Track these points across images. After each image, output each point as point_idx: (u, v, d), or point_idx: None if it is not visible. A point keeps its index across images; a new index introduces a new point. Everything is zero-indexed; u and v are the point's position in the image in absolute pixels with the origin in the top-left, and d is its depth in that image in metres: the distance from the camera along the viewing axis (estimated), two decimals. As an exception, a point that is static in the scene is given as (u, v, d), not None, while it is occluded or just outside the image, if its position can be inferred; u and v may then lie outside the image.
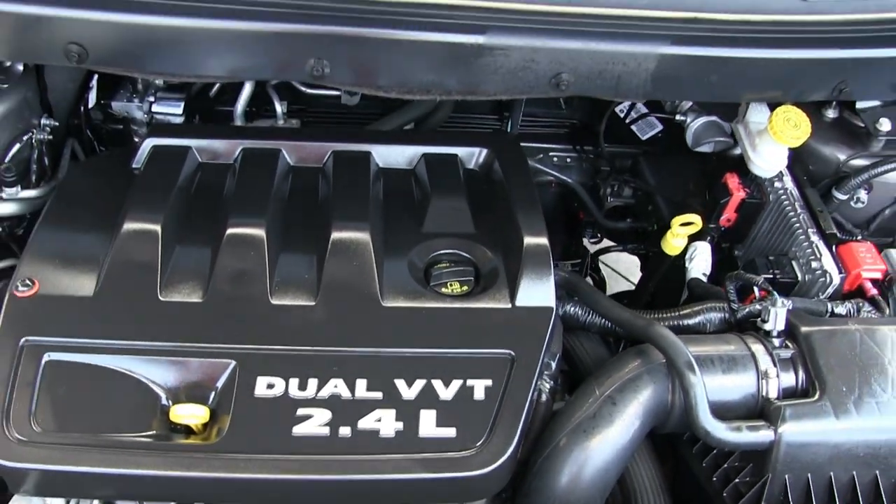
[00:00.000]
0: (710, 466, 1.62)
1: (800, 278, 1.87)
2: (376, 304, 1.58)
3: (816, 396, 1.52)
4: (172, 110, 2.14)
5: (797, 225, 1.92)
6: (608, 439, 1.52)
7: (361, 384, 1.46)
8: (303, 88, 2.17)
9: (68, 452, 1.37)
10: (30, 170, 1.93)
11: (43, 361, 1.45)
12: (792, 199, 1.96)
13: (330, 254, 1.62)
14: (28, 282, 1.55)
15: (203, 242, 1.65)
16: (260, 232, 1.63)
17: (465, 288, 1.65)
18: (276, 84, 2.18)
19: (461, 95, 1.84)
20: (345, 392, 1.45)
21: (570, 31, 1.68)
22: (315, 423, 1.42)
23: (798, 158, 2.02)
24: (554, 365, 1.61)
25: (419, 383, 1.47)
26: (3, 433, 1.37)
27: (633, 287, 2.58)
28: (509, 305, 1.60)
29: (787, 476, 1.50)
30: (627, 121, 2.39)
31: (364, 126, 2.28)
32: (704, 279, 1.97)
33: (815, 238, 1.89)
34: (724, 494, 1.57)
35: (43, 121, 1.95)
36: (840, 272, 1.83)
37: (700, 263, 1.99)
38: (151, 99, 2.13)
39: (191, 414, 1.41)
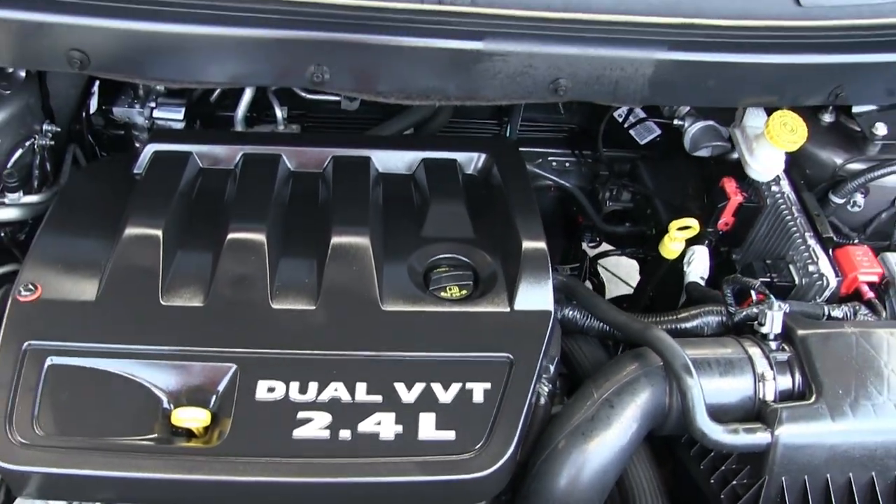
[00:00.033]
0: (708, 469, 1.62)
1: (797, 282, 1.88)
2: (376, 308, 1.59)
3: (813, 399, 1.52)
4: (173, 116, 2.15)
5: (794, 229, 1.93)
6: (606, 442, 1.52)
7: (361, 387, 1.47)
8: (303, 94, 2.18)
9: (70, 456, 1.38)
10: (32, 175, 1.94)
11: (45, 365, 1.46)
12: (789, 203, 1.97)
13: (330, 258, 1.63)
14: (30, 286, 1.56)
15: (204, 247, 1.66)
16: (260, 237, 1.64)
17: (464, 292, 1.65)
18: (276, 89, 2.19)
19: (460, 101, 1.84)
20: (345, 395, 1.46)
21: (568, 36, 1.69)
22: (315, 426, 1.42)
23: (795, 162, 2.03)
24: (552, 368, 1.62)
25: (419, 387, 1.48)
26: (6, 436, 1.38)
27: (632, 291, 2.58)
28: (508, 309, 1.61)
29: (783, 478, 1.51)
30: (626, 125, 2.39)
31: (364, 131, 2.28)
32: (702, 283, 1.97)
33: (811, 242, 1.90)
34: (722, 496, 1.57)
35: (45, 126, 1.96)
36: (837, 276, 1.84)
37: (698, 267, 2.00)
38: (153, 104, 2.15)
39: (192, 417, 1.42)
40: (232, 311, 1.57)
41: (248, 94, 2.15)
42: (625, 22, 1.72)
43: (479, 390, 1.48)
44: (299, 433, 1.42)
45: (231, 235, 1.64)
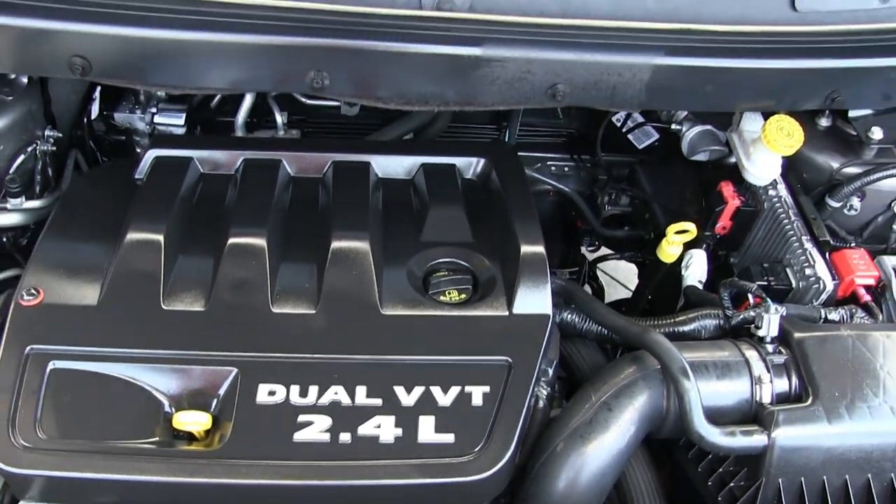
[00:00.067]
0: (706, 471, 1.63)
1: (794, 285, 1.89)
2: (376, 312, 1.60)
3: (809, 401, 1.53)
4: (174, 121, 2.15)
5: (791, 232, 1.94)
6: (604, 444, 1.53)
7: (361, 391, 1.48)
8: (303, 99, 2.18)
9: (73, 459, 1.39)
10: (34, 181, 1.95)
11: (48, 369, 1.47)
12: (786, 207, 1.99)
13: (330, 263, 1.64)
14: (33, 291, 1.57)
15: (205, 252, 1.67)
16: (261, 241, 1.65)
17: (463, 296, 1.66)
18: (276, 95, 2.19)
19: (459, 106, 1.85)
20: (345, 399, 1.47)
21: (566, 42, 1.71)
22: (316, 429, 1.43)
23: (792, 166, 2.04)
24: (551, 371, 1.63)
25: (418, 390, 1.49)
26: (8, 440, 1.39)
27: (631, 294, 2.59)
28: (506, 313, 1.62)
29: (780, 480, 1.51)
30: (624, 130, 2.40)
31: (364, 136, 2.29)
32: (700, 286, 1.98)
33: (808, 245, 1.91)
34: (720, 498, 1.58)
35: (47, 132, 1.97)
36: (833, 279, 1.85)
37: (696, 271, 2.00)
38: (153, 110, 2.15)
39: (193, 421, 1.43)
40: (233, 315, 1.57)
41: (248, 100, 2.15)
42: (622, 28, 1.73)
43: (478, 393, 1.49)
44: (300, 436, 1.42)
45: (232, 240, 1.65)
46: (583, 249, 2.66)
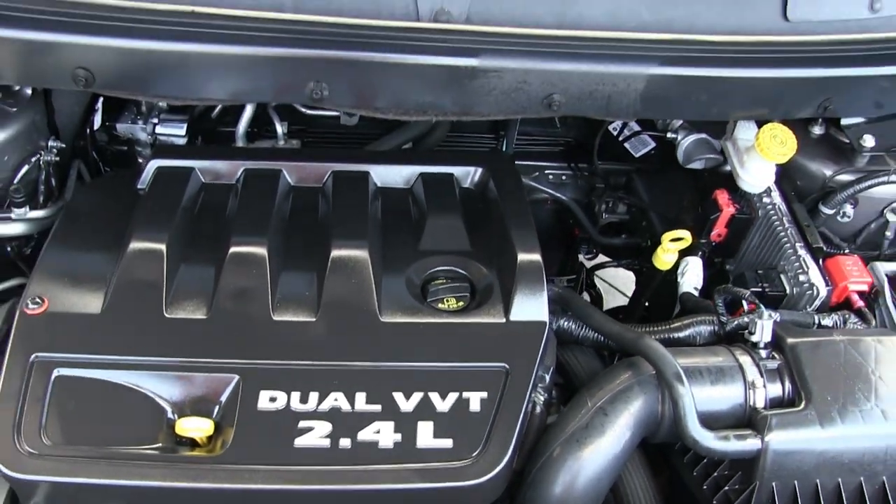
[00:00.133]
0: (701, 475, 1.64)
1: (788, 291, 1.91)
2: (375, 319, 1.61)
3: (802, 406, 1.55)
4: (176, 132, 2.16)
5: (785, 239, 1.96)
6: (600, 449, 1.55)
7: (361, 397, 1.49)
8: (303, 110, 2.20)
9: (77, 465, 1.40)
10: (38, 191, 1.96)
11: (53, 377, 1.48)
12: (780, 214, 2.00)
13: (330, 271, 1.65)
14: (38, 300, 1.58)
15: (207, 261, 1.68)
16: (262, 250, 1.66)
17: (460, 303, 1.68)
18: (276, 105, 2.21)
19: (456, 116, 1.87)
20: (345, 405, 1.48)
21: (561, 53, 1.72)
22: (316, 435, 1.45)
23: (786, 174, 2.06)
24: (548, 378, 1.65)
25: (417, 396, 1.50)
26: (14, 446, 1.40)
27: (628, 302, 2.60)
28: (504, 320, 1.63)
29: (774, 483, 1.53)
30: (621, 139, 2.41)
31: (363, 146, 2.30)
32: (696, 293, 1.99)
33: (802, 252, 1.92)
34: (715, 502, 1.59)
35: (50, 143, 1.98)
36: (827, 285, 1.86)
37: (691, 278, 2.02)
38: (155, 121, 2.16)
39: (196, 427, 1.44)
40: (234, 323, 1.59)
41: (248, 111, 2.17)
42: (617, 38, 1.75)
43: (475, 399, 1.51)
44: (300, 442, 1.44)
45: (233, 249, 1.66)
46: (580, 257, 2.67)
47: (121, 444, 1.43)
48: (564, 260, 2.70)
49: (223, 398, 1.50)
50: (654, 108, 1.84)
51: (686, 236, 2.00)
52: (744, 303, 1.80)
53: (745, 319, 1.72)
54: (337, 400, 1.49)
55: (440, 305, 1.67)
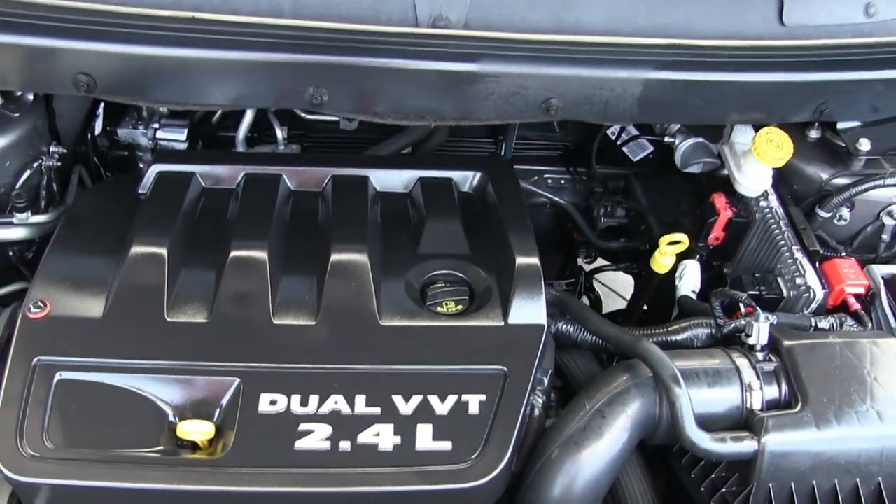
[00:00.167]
0: (699, 477, 1.65)
1: (785, 294, 1.91)
2: (374, 323, 1.62)
3: (798, 408, 1.55)
4: (176, 137, 2.17)
5: (782, 242, 1.96)
6: (598, 451, 1.55)
7: (360, 400, 1.50)
8: (303, 115, 2.20)
9: (79, 468, 1.41)
10: (39, 195, 1.97)
11: (55, 380, 1.49)
12: (777, 218, 2.01)
13: (329, 275, 1.66)
14: (40, 304, 1.58)
15: (208, 265, 1.69)
16: (262, 255, 1.67)
17: (459, 307, 1.68)
18: (276, 110, 2.21)
19: (455, 121, 1.88)
20: (345, 408, 1.49)
21: (559, 58, 1.73)
22: (316, 437, 1.45)
23: (783, 178, 2.06)
24: (546, 380, 1.65)
25: (416, 399, 1.51)
26: (16, 449, 1.40)
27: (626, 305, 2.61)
28: (502, 323, 1.64)
29: (771, 485, 1.53)
30: (619, 143, 2.42)
31: (363, 150, 2.31)
32: (694, 296, 2.01)
33: (799, 255, 1.93)
34: (712, 503, 1.61)
35: (52, 148, 1.98)
36: (823, 288, 1.87)
37: (689, 281, 2.03)
38: (156, 126, 2.17)
39: (197, 430, 1.45)
40: (235, 326, 1.59)
41: (248, 116, 2.17)
42: (614, 43, 1.76)
43: (474, 402, 1.51)
44: (301, 444, 1.44)
45: (233, 253, 1.67)
46: (579, 261, 2.67)
47: (122, 447, 1.44)
48: (563, 264, 2.70)
49: (224, 401, 1.50)
50: (651, 112, 1.84)
51: (683, 240, 2.01)
52: (741, 306, 1.81)
53: (742, 322, 1.73)
54: (337, 403, 1.49)
55: (439, 309, 1.68)
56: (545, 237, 2.46)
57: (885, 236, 2.08)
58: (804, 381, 1.59)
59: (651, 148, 2.41)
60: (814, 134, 2.09)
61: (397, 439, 1.46)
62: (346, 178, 1.92)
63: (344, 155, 2.32)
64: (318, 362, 1.55)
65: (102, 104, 2.15)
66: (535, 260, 1.71)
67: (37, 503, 1.43)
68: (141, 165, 2.17)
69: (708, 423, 1.56)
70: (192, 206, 1.84)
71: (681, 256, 2.07)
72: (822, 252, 1.95)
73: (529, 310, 1.66)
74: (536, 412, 1.62)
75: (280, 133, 2.22)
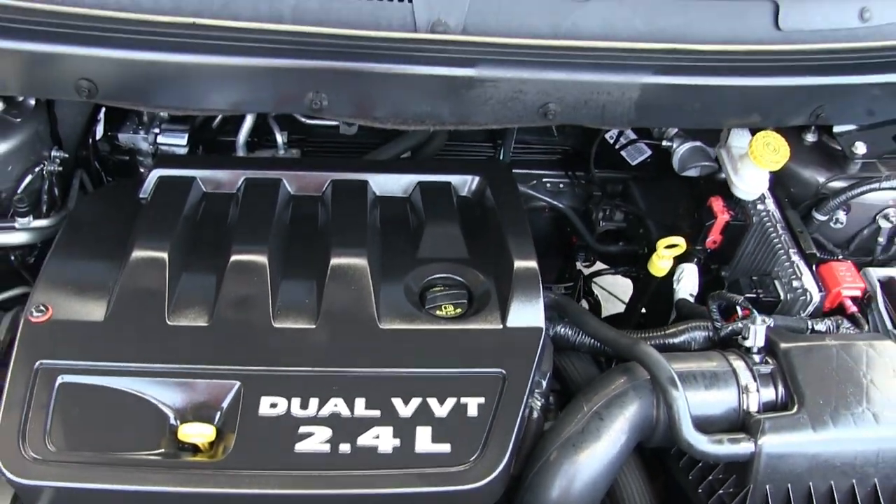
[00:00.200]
0: (696, 479, 1.66)
1: (782, 297, 1.92)
2: (374, 326, 1.62)
3: (795, 409, 1.56)
4: (177, 141, 2.18)
5: (779, 245, 1.97)
6: (596, 453, 1.56)
7: (360, 403, 1.51)
8: (302, 119, 2.21)
9: (81, 470, 1.42)
10: (41, 200, 1.97)
11: (57, 384, 1.49)
12: (774, 221, 2.02)
13: (329, 279, 1.67)
14: (42, 307, 1.59)
15: (208, 269, 1.69)
16: (262, 259, 1.68)
17: (458, 310, 1.69)
18: (276, 115, 2.22)
19: (454, 125, 1.88)
20: (344, 410, 1.50)
21: (556, 62, 1.74)
22: (316, 440, 1.46)
23: (779, 181, 2.07)
24: (544, 383, 1.66)
25: (415, 401, 1.52)
26: (19, 452, 1.41)
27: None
28: (501, 326, 1.65)
29: (767, 486, 1.54)
30: (617, 147, 2.43)
31: (363, 155, 2.32)
32: (692, 299, 2.01)
33: (796, 258, 1.94)
34: (709, 505, 1.62)
35: (53, 153, 1.99)
36: (820, 290, 1.88)
37: (687, 284, 2.04)
38: (156, 131, 2.18)
39: (198, 433, 1.45)
40: (235, 330, 1.60)
41: (249, 120, 2.18)
42: (611, 48, 1.77)
43: (473, 405, 1.52)
44: (301, 447, 1.45)
45: (234, 257, 1.68)
46: (578, 265, 2.68)
47: (124, 450, 1.45)
48: (562, 267, 2.71)
49: (225, 404, 1.51)
50: (648, 116, 1.85)
51: (680, 243, 2.02)
52: (738, 308, 1.81)
53: (739, 325, 1.74)
54: (337, 406, 1.50)
55: (438, 312, 1.68)
56: (544, 241, 2.48)
57: (881, 239, 2.09)
58: (800, 383, 1.59)
59: (649, 152, 2.42)
60: (810, 137, 2.10)
61: (397, 441, 1.47)
62: (346, 183, 1.93)
63: (343, 159, 2.33)
64: (318, 365, 1.56)
65: (103, 109, 2.15)
66: (533, 263, 1.72)
67: (38, 506, 1.44)
68: (142, 170, 2.18)
69: (705, 425, 1.57)
70: (193, 211, 1.85)
71: (679, 260, 2.08)
72: (818, 255, 1.97)
73: (528, 313, 1.66)
74: (535, 414, 1.63)
75: (280, 138, 2.23)
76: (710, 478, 1.63)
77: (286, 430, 1.47)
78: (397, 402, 1.52)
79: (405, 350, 1.60)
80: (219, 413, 1.50)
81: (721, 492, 1.60)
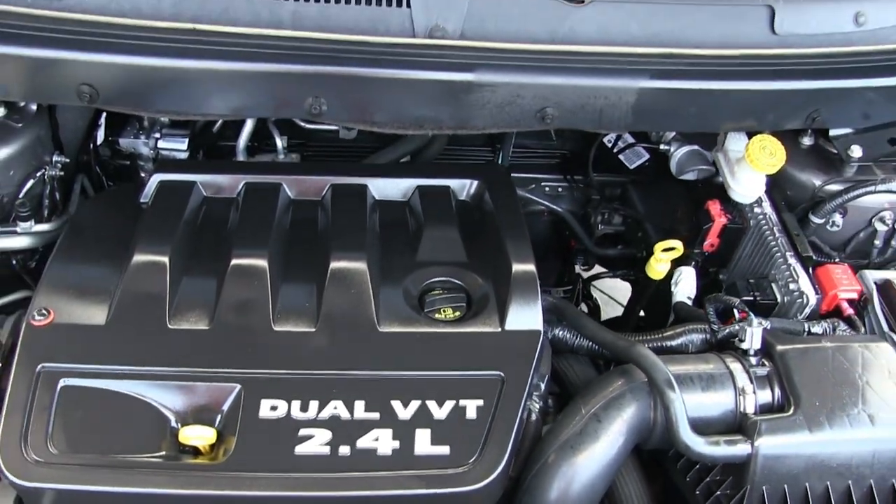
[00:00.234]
0: (694, 480, 1.66)
1: (779, 300, 1.93)
2: (373, 329, 1.63)
3: (791, 411, 1.57)
4: (177, 146, 2.19)
5: (776, 248, 1.98)
6: (594, 455, 1.57)
7: (360, 405, 1.51)
8: (302, 124, 2.22)
9: (83, 473, 1.42)
10: (42, 205, 1.98)
11: (58, 387, 1.50)
12: (771, 224, 2.03)
13: (329, 282, 1.68)
14: (44, 311, 1.60)
15: (209, 273, 1.70)
16: (262, 262, 1.69)
17: (457, 313, 1.70)
18: (276, 120, 2.23)
19: (452, 130, 1.89)
20: (344, 413, 1.50)
21: (554, 67, 1.76)
22: (316, 442, 1.47)
23: (776, 184, 2.08)
24: (543, 385, 1.66)
25: (414, 404, 1.52)
26: (21, 455, 1.42)
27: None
28: (499, 329, 1.66)
29: (764, 487, 1.54)
30: (615, 151, 2.43)
31: (362, 159, 2.32)
32: (689, 302, 2.01)
33: (792, 261, 1.95)
34: (707, 506, 1.62)
35: (55, 158, 2.00)
36: (816, 293, 1.89)
37: (685, 287, 2.04)
38: (157, 135, 2.18)
39: (199, 435, 1.46)
40: (236, 333, 1.61)
41: (249, 125, 2.19)
42: (608, 53, 1.78)
43: (472, 407, 1.53)
44: (301, 449, 1.46)
45: (234, 261, 1.69)
46: (577, 268, 2.68)
47: (125, 453, 1.45)
48: (561, 271, 2.71)
49: (225, 407, 1.51)
50: (645, 120, 1.87)
51: (678, 246, 2.03)
52: (735, 311, 1.82)
53: (736, 327, 1.75)
54: (336, 408, 1.51)
55: (437, 315, 1.69)
56: (543, 245, 2.49)
57: (877, 242, 2.10)
58: (797, 384, 1.60)
59: (647, 156, 2.43)
60: (806, 141, 2.11)
61: (396, 444, 1.47)
62: (346, 187, 1.94)
63: (343, 164, 2.34)
64: (317, 368, 1.57)
65: (104, 114, 2.16)
66: (531, 267, 1.73)
67: (41, 509, 1.44)
68: (142, 175, 2.18)
69: (702, 426, 1.57)
70: (194, 215, 1.85)
71: (677, 263, 2.09)
72: (815, 258, 1.97)
73: (526, 316, 1.67)
74: (534, 417, 1.63)
75: (280, 142, 2.23)
76: (708, 479, 1.64)
77: (286, 432, 1.48)
78: (396, 404, 1.52)
79: (404, 353, 1.61)
80: (219, 416, 1.51)
81: (718, 493, 1.61)
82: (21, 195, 1.93)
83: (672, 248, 2.03)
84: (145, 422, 1.50)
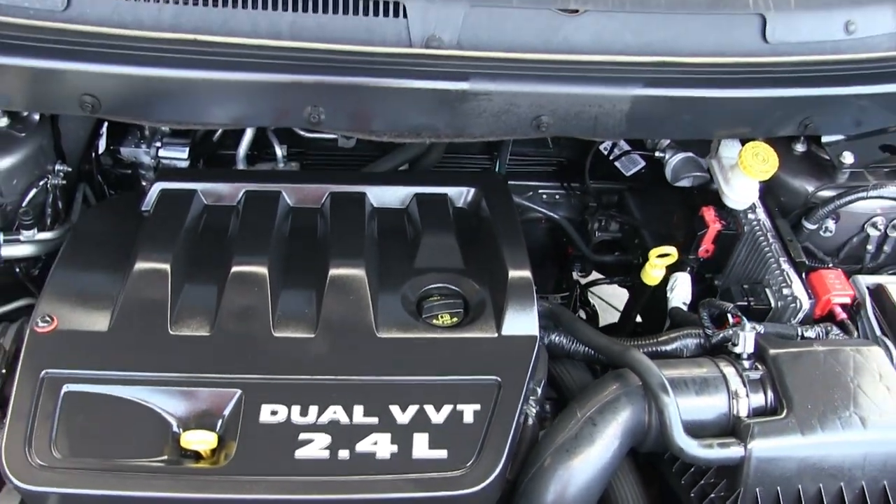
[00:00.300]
0: (689, 483, 1.67)
1: (773, 305, 1.94)
2: (372, 335, 1.65)
3: (784, 414, 1.58)
4: (178, 155, 2.20)
5: (769, 254, 1.99)
6: (590, 458, 1.58)
7: (359, 410, 1.53)
8: (301, 133, 2.23)
9: (86, 477, 1.43)
10: (45, 213, 2.00)
11: (62, 392, 1.51)
12: (764, 230, 2.04)
13: (328, 289, 1.69)
14: (47, 318, 1.61)
15: (210, 280, 1.71)
16: (262, 270, 1.70)
17: (454, 319, 1.71)
18: (275, 129, 2.24)
19: (449, 138, 1.91)
20: (343, 418, 1.52)
21: (549, 76, 1.77)
22: (316, 446, 1.48)
23: (770, 191, 2.10)
24: (539, 390, 1.68)
25: (412, 409, 1.54)
26: (25, 459, 1.43)
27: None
28: (496, 335, 1.67)
29: (757, 489, 1.56)
30: (611, 158, 2.45)
31: (361, 167, 2.34)
32: (685, 308, 2.03)
33: (786, 266, 1.96)
34: (701, 508, 1.64)
35: (57, 167, 2.01)
36: (810, 298, 1.90)
37: (680, 293, 2.06)
38: (158, 144, 2.20)
39: (200, 440, 1.47)
40: (236, 339, 1.62)
41: (248, 134, 2.20)
42: (602, 61, 1.80)
43: (469, 411, 1.54)
44: (301, 453, 1.47)
45: (235, 269, 1.70)
46: (574, 275, 2.70)
47: (128, 457, 1.46)
48: (559, 278, 2.73)
49: (226, 412, 1.53)
50: (639, 127, 1.88)
51: (672, 252, 2.04)
52: (729, 316, 1.84)
53: (730, 332, 1.76)
54: (336, 413, 1.52)
55: (435, 321, 1.70)
56: (540, 252, 2.50)
57: (869, 247, 2.11)
58: (789, 388, 1.62)
59: (643, 163, 2.44)
60: (799, 147, 2.12)
61: (394, 448, 1.49)
62: (344, 195, 1.95)
63: (342, 172, 2.35)
64: (317, 374, 1.58)
65: (106, 124, 2.17)
66: (527, 273, 1.74)
67: (45, 512, 1.46)
68: (144, 183, 2.19)
69: (696, 429, 1.59)
70: (194, 223, 1.87)
71: (672, 269, 2.10)
72: (808, 263, 1.99)
73: (522, 321, 1.68)
74: (530, 421, 1.65)
75: (279, 151, 2.25)
76: (702, 482, 1.65)
77: (286, 436, 1.49)
78: (395, 409, 1.53)
79: (402, 358, 1.62)
80: (220, 420, 1.52)
81: (713, 495, 1.62)
82: (24, 204, 1.94)
83: (667, 255, 2.05)
84: (147, 427, 1.51)
